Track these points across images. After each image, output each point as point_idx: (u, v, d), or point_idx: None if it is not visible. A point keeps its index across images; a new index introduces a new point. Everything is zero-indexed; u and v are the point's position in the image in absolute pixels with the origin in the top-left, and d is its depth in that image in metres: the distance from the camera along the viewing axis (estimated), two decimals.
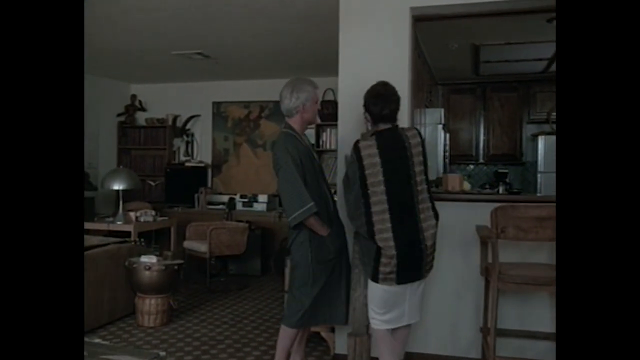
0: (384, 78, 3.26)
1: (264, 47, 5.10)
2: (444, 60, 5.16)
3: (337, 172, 3.49)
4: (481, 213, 3.06)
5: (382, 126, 2.65)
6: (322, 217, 2.67)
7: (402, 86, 3.17)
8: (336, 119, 3.44)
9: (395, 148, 2.56)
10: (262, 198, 6.55)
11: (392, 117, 2.66)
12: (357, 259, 2.92)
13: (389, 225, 2.50)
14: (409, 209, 2.55)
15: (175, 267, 4.30)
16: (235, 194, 6.62)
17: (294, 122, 2.73)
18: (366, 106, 2.67)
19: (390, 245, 2.52)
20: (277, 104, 6.52)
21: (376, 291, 2.66)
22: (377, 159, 2.51)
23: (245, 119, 7.03)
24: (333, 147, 6.29)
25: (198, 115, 7.19)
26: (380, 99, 2.62)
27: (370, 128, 2.74)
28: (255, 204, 6.54)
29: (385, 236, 2.52)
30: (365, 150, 2.53)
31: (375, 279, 2.61)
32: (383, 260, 2.55)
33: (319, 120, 2.97)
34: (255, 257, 6.18)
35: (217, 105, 7.15)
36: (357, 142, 2.61)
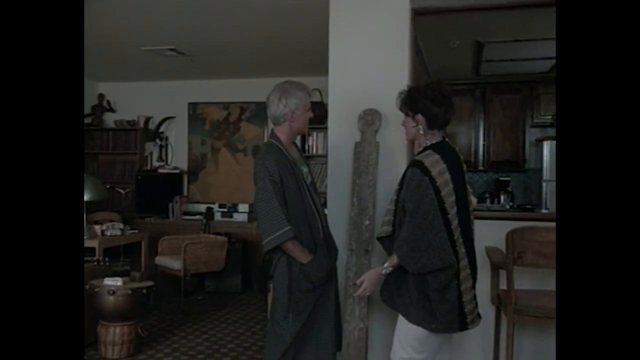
0: (381, 78, 3.16)
1: (244, 43, 4.99)
2: (442, 59, 5.03)
3: (328, 180, 3.30)
4: (490, 232, 2.86)
5: (437, 136, 2.38)
6: (306, 241, 2.47)
7: (401, 86, 2.93)
8: (323, 122, 3.17)
9: (455, 163, 2.34)
10: (243, 208, 6.37)
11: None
12: (353, 286, 2.70)
13: (464, 250, 2.29)
14: (470, 233, 2.37)
15: (144, 291, 3.97)
16: (214, 204, 6.44)
17: (281, 131, 2.56)
18: (421, 108, 2.35)
19: (468, 273, 2.31)
20: (259, 105, 6.94)
21: (422, 331, 2.32)
22: (448, 176, 2.26)
23: (224, 122, 6.87)
24: (320, 152, 6.17)
25: (172, 117, 7.02)
26: (447, 101, 2.34)
27: (411, 136, 2.45)
28: (235, 215, 6.37)
29: (463, 264, 2.30)
30: (435, 168, 2.25)
31: (464, 324, 2.30)
32: (465, 299, 2.29)
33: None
34: (235, 272, 5.98)
35: (193, 106, 6.99)
36: (418, 162, 2.27)
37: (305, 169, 2.66)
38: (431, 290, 2.24)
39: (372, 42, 3.19)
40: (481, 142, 6.25)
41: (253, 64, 5.82)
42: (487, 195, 6.19)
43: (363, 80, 3.19)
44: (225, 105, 6.83)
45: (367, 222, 3.07)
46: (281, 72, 6.04)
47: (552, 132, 5.96)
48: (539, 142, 6.03)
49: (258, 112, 6.63)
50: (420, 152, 2.36)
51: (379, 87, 3.14)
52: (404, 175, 2.35)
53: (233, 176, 6.81)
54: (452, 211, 2.24)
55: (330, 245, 2.64)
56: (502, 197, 6.06)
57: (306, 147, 6.32)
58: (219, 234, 5.90)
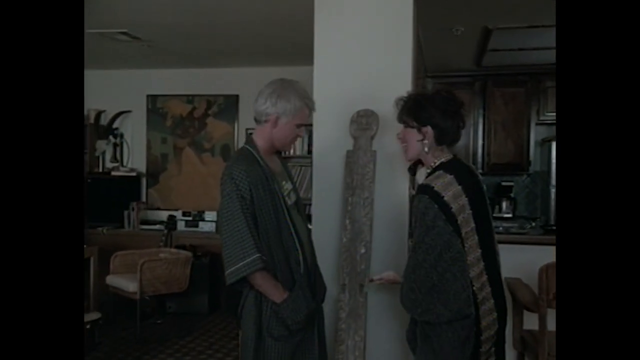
0: (379, 68, 2.83)
1: (211, 27, 4.66)
2: (441, 47, 4.75)
3: (313, 197, 2.97)
4: (509, 258, 2.49)
5: (446, 153, 2.19)
6: (282, 275, 2.23)
7: (404, 81, 2.80)
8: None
9: (474, 183, 2.16)
10: (210, 216, 6.09)
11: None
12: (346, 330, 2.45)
13: (489, 289, 2.10)
14: (496, 268, 2.18)
15: (88, 327, 3.52)
16: (177, 211, 6.21)
17: (260, 135, 2.34)
18: (430, 119, 2.15)
19: (494, 318, 2.09)
20: (228, 98, 6.69)
21: None
22: (465, 200, 2.06)
23: (188, 117, 6.58)
24: (298, 152, 5.92)
25: (128, 112, 6.72)
26: (460, 113, 2.18)
27: (414, 154, 2.24)
28: (201, 224, 6.14)
29: (487, 307, 2.09)
30: (448, 191, 2.05)
31: None
32: (483, 349, 2.10)
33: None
34: (201, 291, 5.67)
35: (152, 99, 6.68)
36: (425, 186, 2.09)
37: (287, 185, 2.38)
38: (438, 342, 2.05)
39: (367, 27, 2.86)
40: (480, 142, 6.00)
41: (221, 51, 5.53)
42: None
43: (356, 72, 2.87)
44: (190, 99, 6.54)
45: (362, 250, 2.70)
46: (255, 62, 5.90)
47: None
48: (545, 142, 5.81)
49: (227, 106, 6.38)
50: (429, 174, 2.15)
51: (376, 82, 2.82)
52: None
53: (199, 179, 6.52)
54: (471, 242, 2.05)
55: (314, 281, 2.37)
56: (503, 204, 5.80)
57: None
58: (183, 246, 5.67)
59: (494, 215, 5.66)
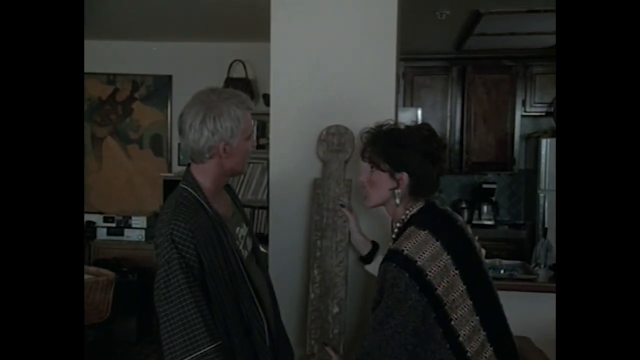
0: (357, 50, 2.55)
1: None
2: (419, 30, 4.59)
3: (270, 240, 2.68)
4: (514, 309, 2.22)
5: (419, 201, 2.04)
6: (242, 355, 2.01)
7: (387, 71, 2.55)
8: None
9: (455, 233, 2.01)
10: (139, 221, 5.83)
11: None
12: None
13: (490, 351, 1.94)
14: (505, 328, 2.02)
15: None
16: (97, 214, 5.95)
17: (204, 173, 2.05)
18: (408, 163, 2.00)
19: None
20: (158, 79, 6.41)
21: None
22: (446, 258, 1.91)
23: (109, 101, 6.24)
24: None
25: None
26: (442, 157, 2.04)
27: (379, 201, 2.07)
28: (127, 232, 5.85)
29: None
30: (422, 253, 1.89)
31: None
32: None
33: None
34: (127, 315, 5.36)
35: None
36: (393, 252, 1.92)
37: (241, 231, 2.14)
38: None
39: (344, 15, 2.54)
40: (457, 136, 5.89)
41: (151, 20, 5.14)
42: (463, 205, 5.85)
43: (326, 76, 2.55)
44: (111, 78, 6.20)
45: (335, 310, 2.41)
46: (190, 35, 5.52)
47: (547, 123, 5.72)
48: (531, 138, 5.73)
49: (158, 88, 6.05)
50: (400, 231, 2.00)
51: (351, 90, 2.51)
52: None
53: (124, 177, 6.24)
54: (462, 311, 1.88)
55: (281, 351, 2.18)
56: (484, 209, 5.71)
57: None
58: (104, 260, 5.37)
59: (473, 222, 5.55)
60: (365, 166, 2.02)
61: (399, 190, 1.97)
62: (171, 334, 1.88)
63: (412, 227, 1.94)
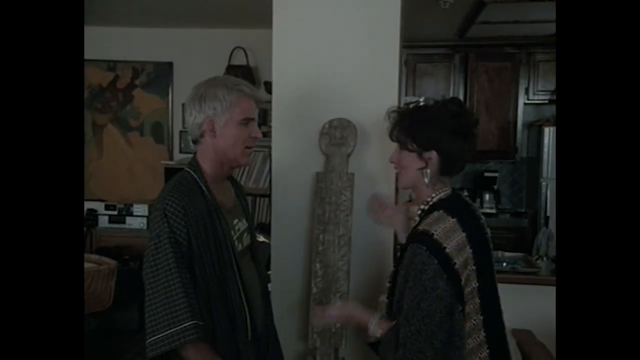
0: (360, 39, 2.55)
1: None
2: (421, 17, 4.59)
3: (272, 234, 2.69)
4: (512, 302, 2.26)
5: (447, 185, 1.99)
6: (224, 345, 2.03)
7: (390, 59, 2.57)
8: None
9: (477, 229, 1.95)
10: (140, 209, 5.82)
11: None
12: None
13: (486, 353, 1.92)
14: (502, 334, 1.98)
15: None
16: (99, 201, 5.94)
17: (204, 155, 2.11)
18: (437, 141, 1.92)
19: None
20: (159, 66, 6.33)
21: None
22: (469, 251, 1.86)
23: (110, 88, 6.20)
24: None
25: None
26: (472, 133, 1.95)
27: (409, 183, 2.01)
28: (129, 219, 5.85)
29: None
30: (451, 240, 1.84)
31: None
32: None
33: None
34: (129, 303, 5.38)
35: None
36: (424, 233, 1.86)
37: (240, 225, 2.16)
38: None
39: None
40: None
41: (150, 7, 5.11)
42: (465, 193, 5.81)
43: (328, 67, 2.55)
44: (111, 65, 6.15)
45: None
46: (191, 21, 5.48)
47: (550, 111, 5.69)
48: (534, 126, 5.70)
49: (158, 75, 6.01)
50: (425, 213, 1.93)
51: (354, 82, 2.52)
52: (401, 254, 1.92)
53: (125, 164, 6.22)
54: (469, 306, 1.86)
55: (266, 351, 2.19)
56: (486, 197, 5.71)
57: None
58: (106, 248, 5.42)
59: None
60: (396, 147, 1.97)
61: (428, 170, 1.91)
62: (154, 307, 1.92)
63: (440, 212, 1.88)
